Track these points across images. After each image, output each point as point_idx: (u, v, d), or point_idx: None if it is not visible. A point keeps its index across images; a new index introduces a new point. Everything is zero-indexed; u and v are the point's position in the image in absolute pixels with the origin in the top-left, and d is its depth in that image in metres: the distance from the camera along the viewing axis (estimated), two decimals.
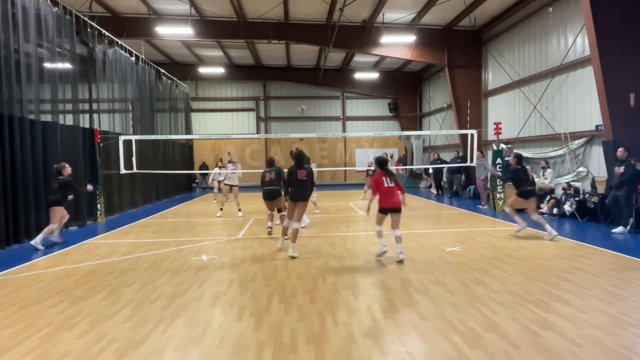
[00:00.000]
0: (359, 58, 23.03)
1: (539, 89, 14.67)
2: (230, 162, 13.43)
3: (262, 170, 9.77)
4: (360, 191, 19.61)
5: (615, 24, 10.31)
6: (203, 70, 23.66)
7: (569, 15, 13.02)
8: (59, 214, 9.14)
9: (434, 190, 20.12)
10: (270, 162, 9.70)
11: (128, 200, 15.33)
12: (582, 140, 12.52)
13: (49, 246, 8.92)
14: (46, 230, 8.93)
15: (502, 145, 15.08)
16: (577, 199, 11.54)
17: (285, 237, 8.21)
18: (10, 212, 9.11)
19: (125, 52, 15.49)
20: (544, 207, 12.45)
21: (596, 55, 10.40)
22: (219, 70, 23.67)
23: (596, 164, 12.01)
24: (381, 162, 7.49)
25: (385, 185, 7.23)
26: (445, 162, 19.18)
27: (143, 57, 17.36)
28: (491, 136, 16.46)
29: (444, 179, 20.51)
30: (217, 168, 16.30)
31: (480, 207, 14.33)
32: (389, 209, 7.27)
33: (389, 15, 16.64)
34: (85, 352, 4.03)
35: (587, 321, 4.54)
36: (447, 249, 8.15)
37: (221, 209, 13.41)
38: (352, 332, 4.37)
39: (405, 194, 7.44)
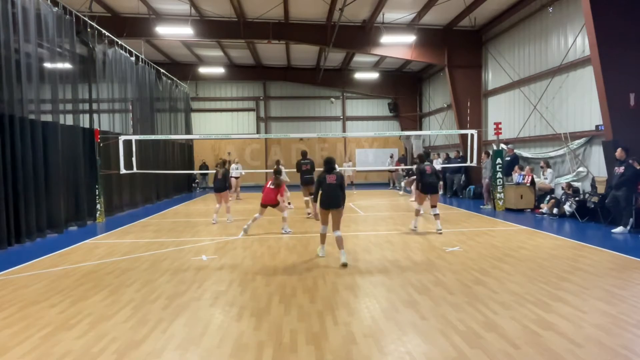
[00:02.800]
0: (359, 58, 23.02)
1: (539, 89, 14.67)
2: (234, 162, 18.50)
3: (261, 170, 10.71)
4: (364, 190, 19.64)
5: (615, 24, 10.31)
6: (203, 70, 23.65)
7: (569, 15, 13.02)
8: (226, 197, 11.83)
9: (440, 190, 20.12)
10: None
11: (128, 200, 15.33)
12: (582, 140, 12.52)
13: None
14: (227, 210, 12.02)
15: (502, 145, 15.08)
16: (577, 199, 11.53)
17: (323, 244, 7.80)
18: (11, 212, 9.10)
19: (125, 52, 15.49)
20: (544, 207, 12.46)
21: (596, 55, 10.40)
22: (219, 70, 23.66)
23: (596, 164, 12.01)
24: (276, 171, 10.05)
25: (268, 186, 9.80)
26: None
27: (143, 57, 17.36)
28: (491, 136, 16.45)
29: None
30: (234, 164, 18.46)
31: (483, 207, 14.35)
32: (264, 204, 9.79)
33: (389, 15, 16.64)
34: (85, 352, 4.03)
35: (587, 321, 4.54)
36: (447, 249, 8.15)
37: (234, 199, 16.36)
38: (352, 332, 4.37)
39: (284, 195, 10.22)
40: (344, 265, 7.01)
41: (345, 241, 9.05)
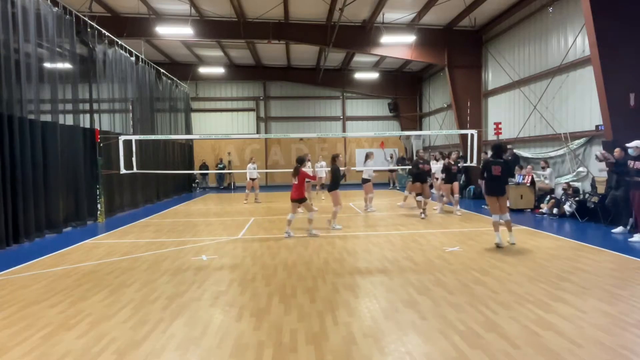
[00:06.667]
0: (359, 58, 23.02)
1: (539, 89, 14.67)
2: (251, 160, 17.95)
3: (261, 171, 10.46)
4: (359, 191, 19.56)
5: (615, 24, 10.30)
6: (203, 70, 23.64)
7: (569, 15, 13.02)
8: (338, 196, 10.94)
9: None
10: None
11: (128, 200, 15.33)
12: (582, 140, 12.52)
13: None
14: (334, 211, 10.73)
15: None
16: (577, 199, 11.54)
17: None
18: (10, 212, 9.11)
19: (125, 52, 15.49)
20: (544, 207, 12.45)
21: (596, 55, 10.40)
22: (219, 70, 23.65)
23: (596, 164, 11.99)
24: (299, 160, 9.85)
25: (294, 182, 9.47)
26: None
27: (143, 57, 17.35)
28: (491, 136, 16.46)
29: None
30: (251, 164, 17.58)
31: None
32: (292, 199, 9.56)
33: (389, 15, 16.64)
34: (85, 352, 4.03)
35: (587, 321, 4.54)
36: (447, 249, 8.15)
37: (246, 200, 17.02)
38: (352, 332, 4.37)
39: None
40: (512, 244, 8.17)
41: (345, 241, 9.11)
